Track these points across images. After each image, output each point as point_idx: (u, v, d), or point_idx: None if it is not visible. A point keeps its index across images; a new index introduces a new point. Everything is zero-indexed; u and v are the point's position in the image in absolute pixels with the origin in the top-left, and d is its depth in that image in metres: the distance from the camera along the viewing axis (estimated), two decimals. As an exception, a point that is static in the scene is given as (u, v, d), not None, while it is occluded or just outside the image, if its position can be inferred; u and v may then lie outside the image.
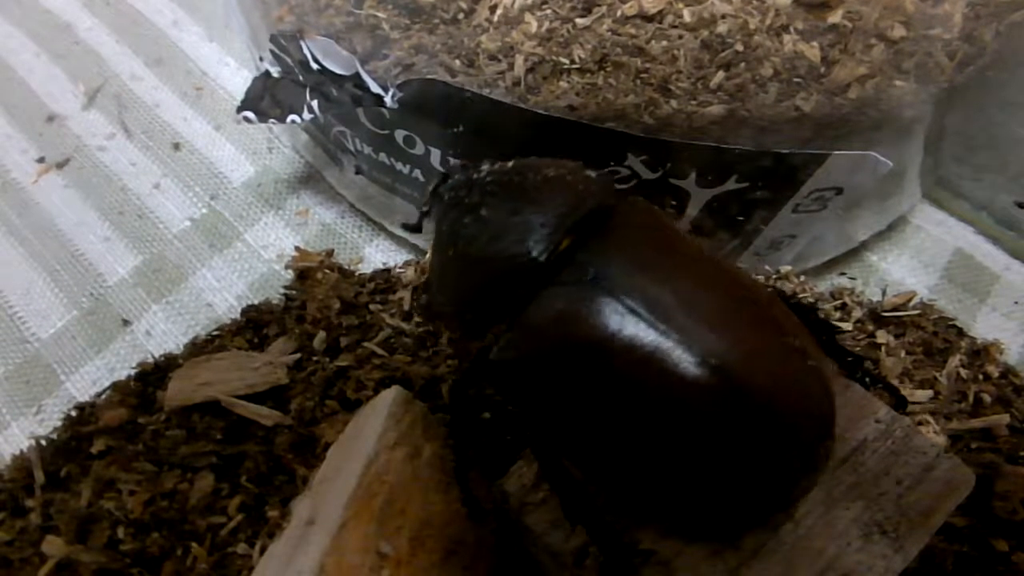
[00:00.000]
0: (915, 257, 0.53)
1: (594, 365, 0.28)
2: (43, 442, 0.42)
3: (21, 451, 0.42)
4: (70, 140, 0.58)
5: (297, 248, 0.50)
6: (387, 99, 0.37)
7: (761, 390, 0.27)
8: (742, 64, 0.35)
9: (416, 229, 0.35)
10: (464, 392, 0.33)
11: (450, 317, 0.32)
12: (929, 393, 0.42)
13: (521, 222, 0.29)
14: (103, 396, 0.44)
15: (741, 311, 0.29)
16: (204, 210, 0.54)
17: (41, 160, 0.57)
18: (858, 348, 0.43)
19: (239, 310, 0.48)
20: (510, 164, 0.31)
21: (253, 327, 0.47)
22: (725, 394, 0.27)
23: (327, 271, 0.49)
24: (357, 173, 0.48)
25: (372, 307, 0.46)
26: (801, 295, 0.45)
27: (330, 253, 0.50)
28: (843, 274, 0.52)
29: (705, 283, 0.29)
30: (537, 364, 0.29)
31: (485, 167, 0.31)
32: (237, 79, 0.60)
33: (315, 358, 0.44)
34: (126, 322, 0.50)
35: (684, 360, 0.27)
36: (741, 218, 0.42)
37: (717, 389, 0.27)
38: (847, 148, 0.38)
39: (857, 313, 0.45)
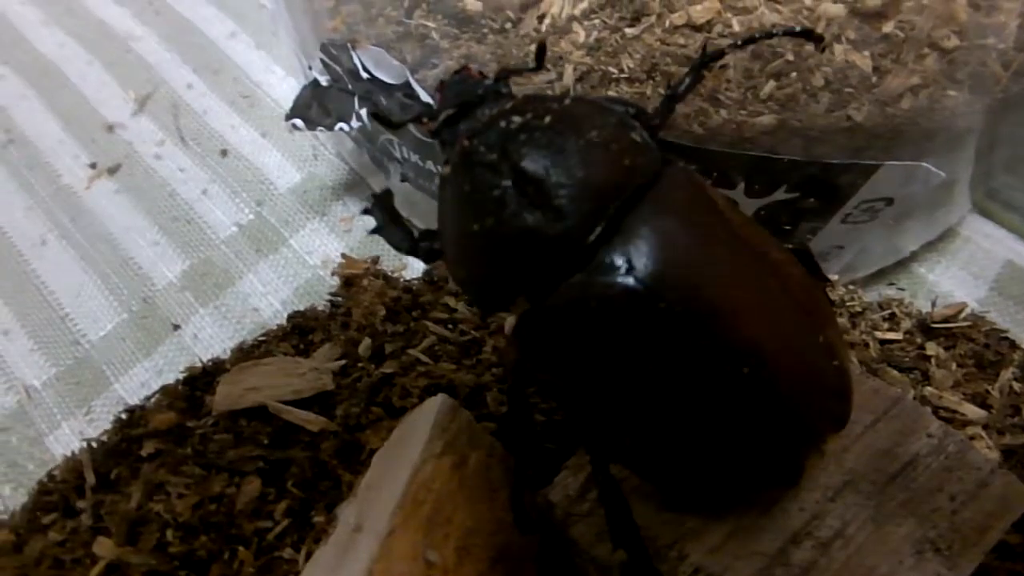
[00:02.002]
0: (964, 269, 0.52)
1: (621, 354, 0.27)
2: (94, 444, 0.43)
3: (73, 452, 0.43)
4: (121, 146, 0.59)
5: (343, 255, 0.51)
6: (436, 108, 0.38)
7: (787, 392, 0.27)
8: (793, 74, 0.35)
9: (398, 126, 0.33)
10: (521, 393, 0.32)
11: (462, 281, 0.30)
12: (982, 413, 0.41)
13: (560, 197, 0.26)
14: (152, 400, 0.45)
15: (774, 306, 0.28)
16: (251, 216, 0.55)
17: (93, 166, 0.58)
18: (907, 359, 0.42)
19: (284, 315, 0.48)
20: (545, 113, 0.27)
21: (299, 333, 0.48)
22: (750, 391, 0.27)
23: (372, 278, 0.49)
24: (403, 180, 0.48)
25: (416, 314, 0.46)
26: (849, 303, 0.44)
27: (375, 260, 0.51)
28: (891, 284, 0.51)
29: (740, 273, 0.27)
30: (559, 346, 0.28)
31: (512, 108, 0.28)
32: (284, 87, 0.61)
33: (360, 365, 0.44)
34: (176, 326, 0.51)
35: (714, 362, 0.26)
36: (789, 228, 0.41)
37: (744, 387, 0.26)
38: (898, 158, 0.38)
39: (906, 324, 0.44)
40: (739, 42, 0.32)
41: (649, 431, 0.28)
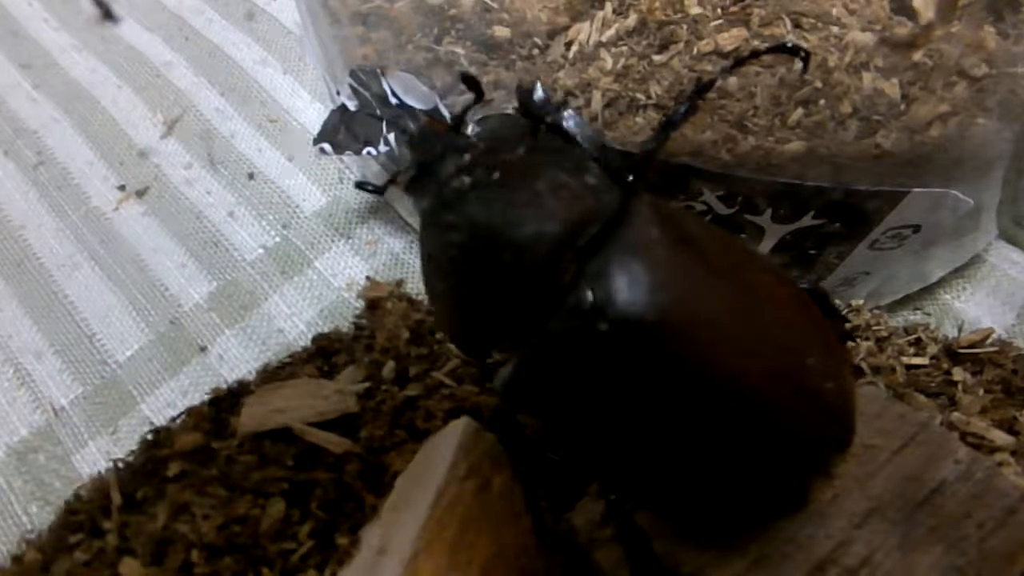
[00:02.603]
0: (991, 295, 0.52)
1: (599, 394, 0.27)
2: (120, 465, 0.43)
3: (100, 473, 0.44)
4: (150, 169, 0.60)
5: (368, 278, 0.51)
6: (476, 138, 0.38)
7: (777, 419, 0.27)
8: (821, 101, 0.35)
9: (379, 191, 0.33)
10: (508, 421, 0.32)
11: (444, 332, 0.30)
12: (1010, 439, 0.40)
13: (515, 251, 0.26)
14: (178, 421, 0.45)
15: (754, 333, 0.27)
16: (277, 238, 0.55)
17: (122, 188, 0.59)
18: (933, 384, 0.42)
19: (309, 336, 0.49)
20: (494, 168, 0.27)
21: (323, 355, 0.48)
22: (739, 421, 0.26)
23: (396, 300, 0.49)
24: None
25: (440, 337, 0.47)
26: (875, 327, 0.44)
27: (399, 283, 0.51)
28: (917, 310, 0.51)
29: (715, 303, 0.27)
30: (547, 389, 0.28)
31: (464, 166, 0.28)
32: (310, 111, 0.62)
33: (384, 387, 0.44)
34: (202, 348, 0.51)
35: (694, 395, 0.26)
36: (815, 254, 0.41)
37: (732, 418, 0.26)
38: (926, 185, 0.38)
39: (932, 349, 0.44)
40: (728, 67, 0.33)
41: (644, 467, 0.28)
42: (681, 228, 0.28)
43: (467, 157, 0.28)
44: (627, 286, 0.26)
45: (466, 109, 0.31)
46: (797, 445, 0.28)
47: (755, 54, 0.33)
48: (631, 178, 0.28)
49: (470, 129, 0.37)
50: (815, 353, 0.28)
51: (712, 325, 0.26)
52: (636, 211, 0.27)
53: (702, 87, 0.31)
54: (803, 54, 0.32)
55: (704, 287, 0.27)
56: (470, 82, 0.29)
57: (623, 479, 0.29)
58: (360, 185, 0.33)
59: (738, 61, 0.33)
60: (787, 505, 0.30)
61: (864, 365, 0.40)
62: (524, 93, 0.30)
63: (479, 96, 0.30)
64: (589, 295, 0.26)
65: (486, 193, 0.27)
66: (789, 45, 0.32)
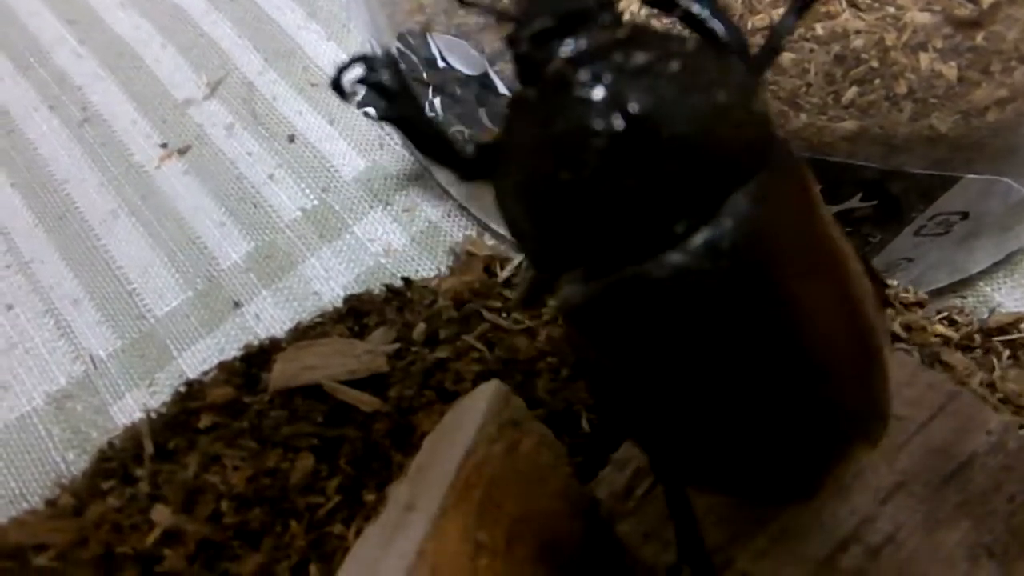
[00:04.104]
0: (1032, 290, 0.51)
1: (690, 341, 0.24)
2: (153, 415, 0.44)
3: (132, 422, 0.44)
4: (192, 128, 0.60)
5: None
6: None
7: (842, 407, 0.26)
8: (876, 80, 0.35)
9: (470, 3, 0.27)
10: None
11: (518, 227, 0.25)
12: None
13: (673, 161, 0.22)
14: (210, 374, 0.46)
15: (848, 321, 0.26)
16: (315, 201, 0.56)
17: (164, 146, 0.60)
18: (970, 352, 0.41)
19: (343, 300, 0.49)
20: (669, 56, 0.22)
21: (354, 316, 0.48)
22: (809, 400, 0.26)
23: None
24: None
25: (472, 302, 0.47)
26: (903, 295, 0.42)
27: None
28: (955, 296, 0.50)
29: (827, 281, 0.25)
30: (624, 321, 0.25)
31: (630, 40, 0.22)
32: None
33: (414, 349, 0.45)
34: (237, 304, 0.51)
35: (781, 366, 0.25)
36: (860, 237, 0.41)
37: (805, 395, 0.26)
38: (978, 171, 0.37)
39: (965, 329, 0.43)
40: None
41: (689, 426, 0.27)
42: (812, 193, 0.25)
43: (626, 32, 0.23)
44: (757, 234, 0.23)
45: None
46: (844, 434, 0.27)
47: None
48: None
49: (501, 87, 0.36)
50: (882, 345, 0.27)
51: (820, 300, 0.25)
52: (783, 157, 0.24)
53: None
54: None
55: (821, 260, 0.25)
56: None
57: (664, 435, 0.28)
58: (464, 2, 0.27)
59: None
60: (805, 491, 0.29)
61: (897, 325, 0.39)
62: None
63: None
64: (719, 233, 0.22)
65: (654, 81, 0.22)
66: None
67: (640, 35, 0.23)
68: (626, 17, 0.25)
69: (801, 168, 0.25)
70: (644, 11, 0.37)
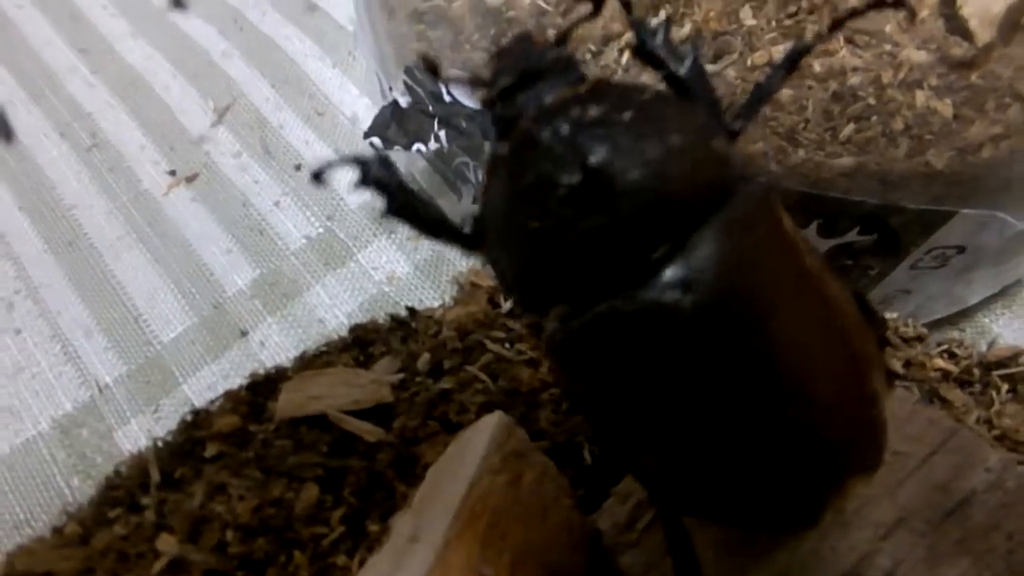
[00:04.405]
0: (1030, 321, 0.52)
1: (663, 376, 0.25)
2: (160, 443, 0.44)
3: (140, 450, 0.45)
4: (199, 156, 0.61)
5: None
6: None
7: (827, 436, 0.26)
8: (873, 117, 0.35)
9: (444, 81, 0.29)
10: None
11: (502, 274, 0.27)
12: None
13: (631, 204, 0.23)
14: (217, 403, 0.46)
15: (828, 349, 0.26)
16: (320, 229, 0.56)
17: (172, 173, 0.61)
18: (969, 388, 0.41)
19: (348, 328, 0.50)
20: (624, 106, 0.24)
21: (360, 345, 0.48)
22: (792, 430, 0.26)
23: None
24: (475, 202, 0.49)
25: (476, 332, 0.47)
26: (903, 329, 0.43)
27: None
28: (953, 328, 0.51)
29: (802, 311, 0.26)
30: (605, 355, 0.26)
31: (587, 94, 0.24)
32: (358, 106, 0.63)
33: (419, 379, 0.45)
34: (243, 333, 0.52)
35: (760, 398, 0.25)
36: (857, 270, 0.41)
37: (787, 425, 0.26)
38: (973, 206, 0.38)
39: (965, 362, 0.43)
40: (828, 28, 0.29)
41: (679, 456, 0.27)
42: (782, 223, 0.26)
43: (585, 87, 0.25)
44: (726, 267, 0.24)
45: (575, 23, 0.27)
46: (835, 463, 0.27)
47: (856, 12, 0.28)
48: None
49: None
50: (871, 376, 0.27)
51: (794, 330, 0.25)
52: (749, 190, 0.25)
53: (799, 51, 0.28)
54: (910, 8, 0.28)
55: (793, 287, 0.26)
56: None
57: (656, 466, 0.28)
58: (424, 61, 0.28)
59: (837, 22, 0.29)
60: (801, 520, 0.29)
61: (896, 363, 0.40)
62: (644, 29, 0.26)
63: (597, 9, 0.26)
64: (686, 268, 0.24)
65: (612, 130, 0.24)
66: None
67: (599, 89, 0.25)
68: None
69: (769, 203, 0.26)
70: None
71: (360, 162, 0.26)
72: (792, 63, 0.28)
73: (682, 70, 0.26)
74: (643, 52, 0.27)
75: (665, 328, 0.24)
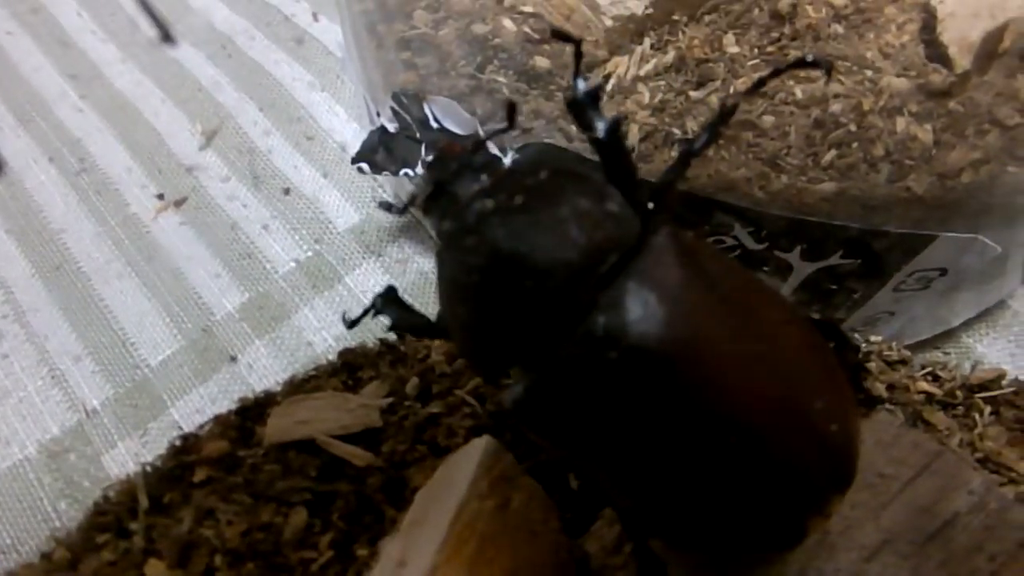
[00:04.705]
0: (1014, 342, 0.52)
1: (606, 421, 0.27)
2: (148, 468, 0.44)
3: (128, 476, 0.44)
4: (188, 181, 0.61)
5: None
6: (505, 161, 0.39)
7: (783, 453, 0.27)
8: (854, 144, 0.36)
9: (402, 211, 0.33)
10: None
11: (461, 353, 0.31)
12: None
13: (535, 276, 0.26)
14: (205, 428, 0.46)
15: (765, 373, 0.27)
16: (309, 253, 0.57)
17: (160, 197, 0.61)
18: (952, 410, 0.41)
19: (337, 351, 0.50)
20: (516, 191, 0.27)
21: (348, 369, 0.48)
22: (741, 457, 0.27)
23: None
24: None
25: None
26: (887, 353, 0.43)
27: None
28: (937, 350, 0.51)
29: (728, 340, 0.27)
30: (556, 412, 0.28)
31: (486, 189, 0.28)
32: (346, 131, 0.63)
33: (407, 403, 0.45)
34: (232, 357, 0.52)
35: (700, 430, 0.26)
36: (841, 292, 0.42)
37: (735, 453, 0.27)
38: (954, 230, 0.38)
39: (949, 384, 0.44)
40: (751, 88, 0.32)
41: (646, 493, 0.28)
42: (699, 261, 0.28)
43: (487, 179, 0.29)
44: (639, 316, 0.26)
45: (492, 134, 0.31)
46: (797, 483, 0.28)
47: (776, 72, 0.31)
48: (651, 206, 0.29)
49: (508, 156, 0.38)
50: (822, 395, 0.28)
51: (720, 360, 0.27)
52: (655, 241, 0.27)
53: (724, 113, 0.31)
54: (825, 66, 0.31)
55: (716, 322, 0.27)
56: (510, 109, 0.29)
57: (627, 504, 0.29)
58: (385, 206, 0.33)
59: (760, 82, 0.32)
60: (784, 540, 0.30)
61: (880, 386, 0.40)
62: (576, 97, 0.29)
63: (511, 124, 0.30)
64: (601, 323, 0.26)
65: (506, 216, 0.27)
66: (809, 59, 0.31)
67: (504, 180, 0.28)
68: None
69: (678, 244, 0.28)
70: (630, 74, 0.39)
71: (374, 305, 0.36)
72: (717, 126, 0.30)
73: (600, 134, 0.29)
74: (572, 108, 0.29)
75: (603, 375, 0.26)
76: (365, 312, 0.37)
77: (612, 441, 0.27)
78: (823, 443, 0.28)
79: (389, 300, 0.36)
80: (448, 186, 0.29)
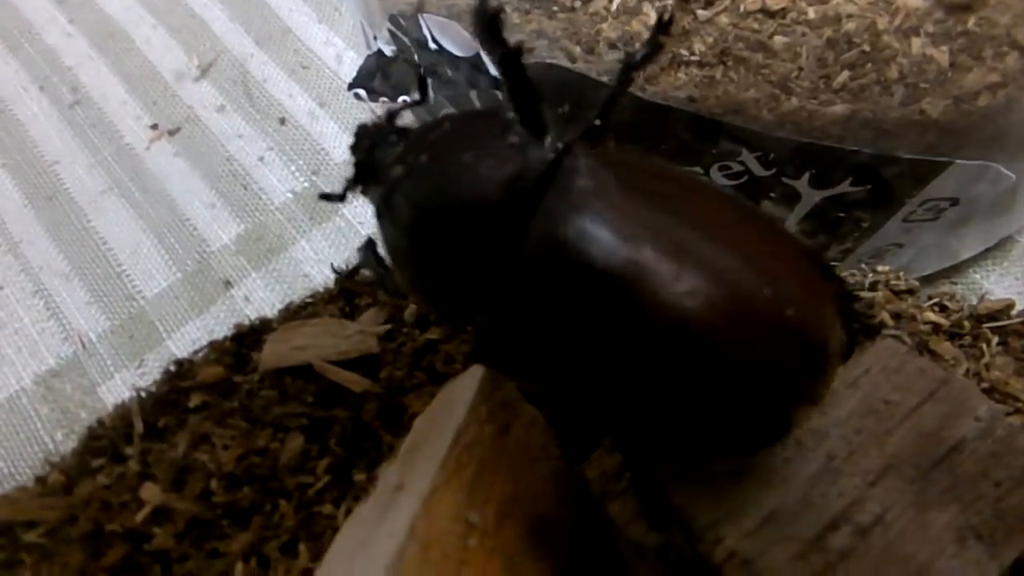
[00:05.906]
0: (1021, 279, 0.51)
1: (567, 342, 0.27)
2: (143, 394, 0.44)
3: (123, 401, 0.44)
4: (182, 110, 0.60)
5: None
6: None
7: (738, 348, 0.27)
8: (867, 65, 0.35)
9: (340, 199, 0.34)
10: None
11: (425, 308, 0.32)
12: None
13: (456, 225, 0.27)
14: (200, 354, 0.46)
15: (711, 263, 0.27)
16: (305, 184, 0.56)
17: (154, 127, 0.60)
18: (960, 340, 0.41)
19: (335, 282, 0.49)
20: (422, 149, 0.28)
21: (346, 297, 0.48)
22: (701, 355, 0.26)
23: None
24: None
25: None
26: (894, 282, 0.42)
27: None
28: (944, 283, 0.50)
29: (667, 239, 0.27)
30: (516, 347, 0.29)
31: (397, 157, 0.29)
32: (343, 59, 0.62)
33: (405, 330, 0.45)
34: (228, 284, 0.51)
35: (652, 332, 0.26)
36: (849, 222, 0.41)
37: (693, 356, 0.26)
38: (967, 157, 0.37)
39: (956, 315, 0.43)
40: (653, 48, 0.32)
41: (622, 408, 0.28)
42: (622, 172, 0.28)
43: (399, 147, 0.30)
44: (569, 234, 0.26)
45: (401, 107, 0.33)
46: (762, 373, 0.27)
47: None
48: (599, 122, 0.29)
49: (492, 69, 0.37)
50: (771, 281, 0.27)
51: (652, 262, 0.26)
52: (572, 163, 0.28)
53: (662, 24, 0.31)
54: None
55: (642, 226, 0.27)
56: (422, 82, 0.33)
57: (612, 424, 0.30)
58: (325, 196, 0.35)
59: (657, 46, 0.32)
60: (770, 434, 0.29)
61: (886, 314, 0.40)
62: (484, 18, 0.28)
63: (423, 98, 0.32)
64: (534, 249, 0.26)
65: (419, 175, 0.28)
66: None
67: (414, 142, 0.29)
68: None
69: (602, 160, 0.28)
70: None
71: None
72: (656, 37, 0.31)
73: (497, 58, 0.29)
74: (475, 27, 0.29)
75: (551, 300, 0.27)
76: (355, 269, 0.40)
77: (575, 366, 0.28)
78: (782, 329, 0.27)
79: (369, 256, 0.36)
80: (368, 162, 0.31)
